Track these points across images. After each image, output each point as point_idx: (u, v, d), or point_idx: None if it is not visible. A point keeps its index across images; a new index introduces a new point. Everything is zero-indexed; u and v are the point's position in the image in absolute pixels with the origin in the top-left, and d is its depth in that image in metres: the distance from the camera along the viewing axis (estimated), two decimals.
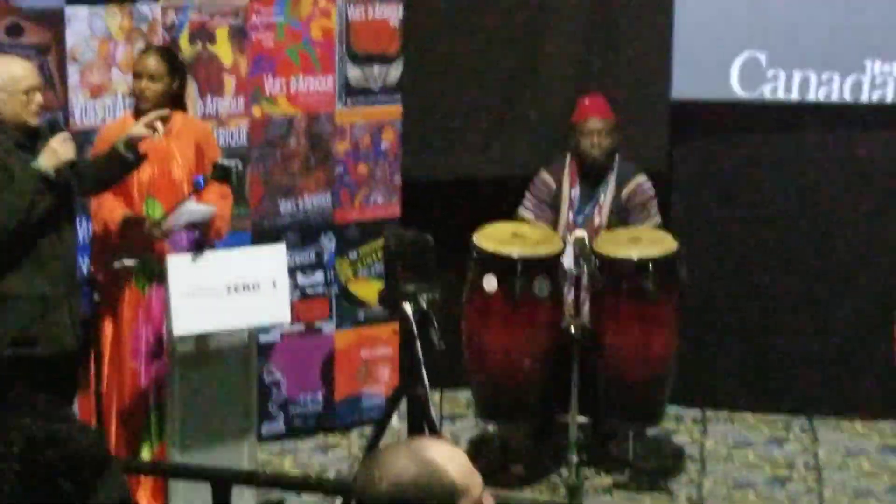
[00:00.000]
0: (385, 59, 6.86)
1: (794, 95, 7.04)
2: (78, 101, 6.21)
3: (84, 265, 6.04)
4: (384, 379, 6.97)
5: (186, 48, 6.36)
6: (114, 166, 5.61)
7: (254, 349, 6.03)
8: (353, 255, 6.91)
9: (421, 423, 5.53)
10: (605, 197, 6.57)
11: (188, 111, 6.15)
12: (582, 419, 6.23)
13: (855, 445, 6.93)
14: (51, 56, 6.12)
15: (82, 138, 5.96)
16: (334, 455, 6.77)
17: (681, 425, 7.09)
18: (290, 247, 6.41)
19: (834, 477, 6.62)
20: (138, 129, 5.59)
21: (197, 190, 5.79)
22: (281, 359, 6.78)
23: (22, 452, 2.72)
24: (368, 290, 6.86)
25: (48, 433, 2.75)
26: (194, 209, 5.81)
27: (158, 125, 5.62)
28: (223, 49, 6.52)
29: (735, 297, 7.21)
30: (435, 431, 5.55)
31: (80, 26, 6.18)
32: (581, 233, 6.31)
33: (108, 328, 5.90)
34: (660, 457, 6.72)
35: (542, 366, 6.23)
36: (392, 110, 6.91)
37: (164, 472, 5.81)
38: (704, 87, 7.07)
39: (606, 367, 6.26)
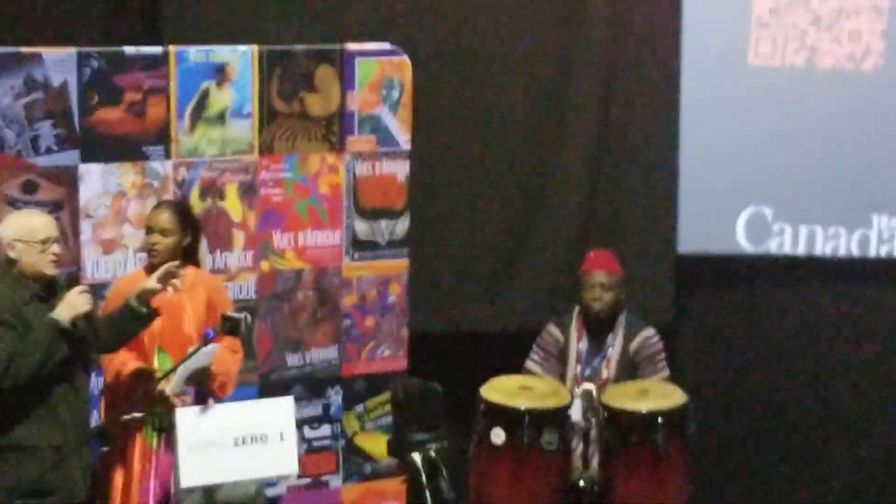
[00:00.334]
0: (392, 214, 6.92)
1: (801, 249, 7.09)
2: (90, 256, 6.26)
3: (94, 417, 6.04)
4: None
5: (197, 203, 6.43)
6: (127, 322, 5.67)
7: (262, 500, 5.99)
8: (359, 408, 6.90)
9: None
10: (613, 350, 6.58)
11: (200, 266, 6.20)
12: None
13: None
14: (64, 212, 6.19)
15: (94, 293, 6.00)
16: None
17: None
18: (297, 400, 6.39)
19: None
20: (150, 283, 5.65)
21: (206, 343, 5.82)
22: None
23: None
24: (375, 443, 6.83)
25: None
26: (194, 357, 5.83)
27: (177, 281, 5.67)
28: (233, 204, 6.59)
29: (743, 448, 7.18)
30: None
31: (93, 183, 6.27)
32: (589, 386, 6.32)
33: (117, 480, 5.88)
34: None
35: None
36: (399, 264, 6.96)
37: None
38: (711, 241, 7.13)
39: None
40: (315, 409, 6.80)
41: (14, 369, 5.40)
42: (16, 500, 5.45)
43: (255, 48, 6.54)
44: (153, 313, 5.71)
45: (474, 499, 6.25)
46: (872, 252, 7.03)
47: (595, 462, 6.29)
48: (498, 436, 6.14)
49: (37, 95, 6.10)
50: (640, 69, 7.22)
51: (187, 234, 6.00)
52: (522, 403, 6.17)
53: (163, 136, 6.38)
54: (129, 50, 6.29)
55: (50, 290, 5.59)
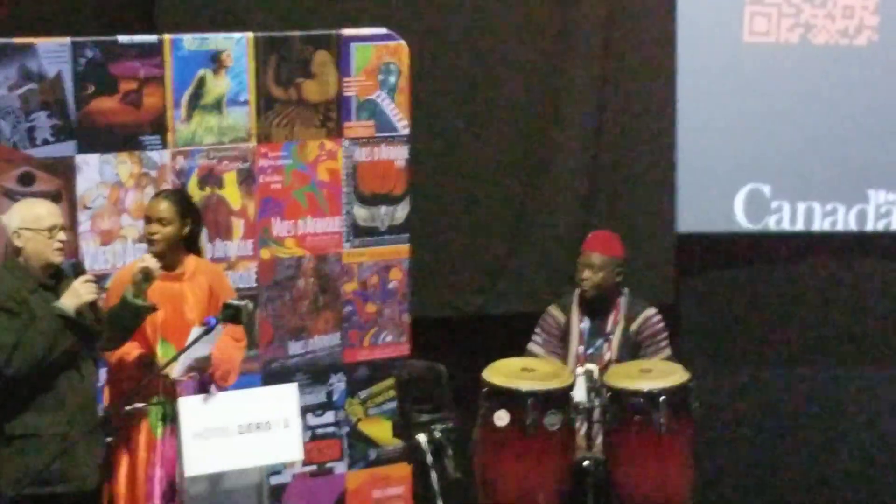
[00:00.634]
0: (391, 199, 6.92)
1: (799, 226, 7.09)
2: (88, 247, 6.26)
3: (99, 408, 6.05)
4: None
5: (195, 192, 6.43)
6: (126, 316, 5.72)
7: (266, 488, 6.00)
8: (363, 394, 6.90)
9: None
10: (615, 330, 6.58)
11: (202, 254, 6.21)
12: None
13: None
14: (62, 203, 6.18)
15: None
16: None
17: None
18: (300, 387, 6.38)
19: None
20: (136, 276, 5.68)
21: (208, 331, 5.83)
22: (293, 500, 6.74)
23: None
24: (380, 429, 6.84)
25: None
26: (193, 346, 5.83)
27: (151, 263, 5.69)
28: (231, 193, 6.59)
29: (745, 428, 7.19)
30: None
31: (90, 173, 6.26)
32: (591, 366, 6.32)
33: (122, 470, 5.90)
34: None
35: (557, 500, 6.18)
36: (399, 249, 6.96)
37: None
38: (709, 220, 7.14)
39: (621, 500, 6.21)
40: (318, 397, 6.81)
41: (18, 357, 5.44)
42: (25, 488, 5.47)
43: (250, 35, 6.53)
44: (151, 307, 5.73)
45: (480, 481, 6.25)
46: (870, 226, 7.04)
47: (599, 442, 6.29)
48: (501, 418, 6.14)
49: (31, 86, 6.10)
50: (636, 49, 7.22)
51: (186, 222, 6.00)
52: (525, 385, 6.17)
53: (159, 126, 6.38)
54: (123, 39, 6.28)
55: (55, 279, 5.62)
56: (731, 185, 7.11)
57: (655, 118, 7.18)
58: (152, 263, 5.73)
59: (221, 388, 5.97)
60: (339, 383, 6.85)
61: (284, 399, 5.89)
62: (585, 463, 6.19)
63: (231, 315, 5.85)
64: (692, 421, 6.31)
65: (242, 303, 5.90)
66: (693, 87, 7.11)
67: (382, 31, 6.83)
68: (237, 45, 6.50)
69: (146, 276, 5.71)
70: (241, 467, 5.82)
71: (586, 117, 7.21)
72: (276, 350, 6.70)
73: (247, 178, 6.60)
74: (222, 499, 5.83)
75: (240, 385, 6.12)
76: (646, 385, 6.20)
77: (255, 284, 6.64)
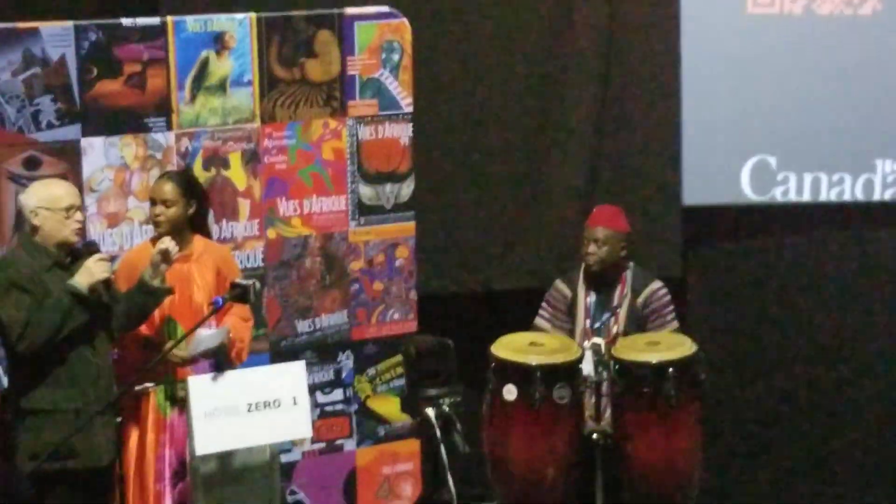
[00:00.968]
0: (396, 177, 6.93)
1: (806, 197, 7.09)
2: (95, 230, 6.28)
3: None
4: (406, 495, 6.94)
5: (201, 174, 6.44)
6: (144, 298, 5.77)
7: (277, 466, 6.03)
8: (371, 372, 6.92)
9: None
10: (622, 304, 6.59)
11: (210, 235, 6.23)
12: None
13: None
14: None
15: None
16: None
17: None
18: (308, 366, 6.42)
19: None
20: (154, 258, 5.71)
21: (216, 310, 5.87)
22: (303, 478, 6.77)
23: None
24: (388, 406, 6.86)
25: None
26: (209, 334, 5.86)
27: (170, 245, 5.72)
28: (237, 173, 6.60)
29: (754, 400, 7.19)
30: None
31: (95, 157, 6.28)
32: (598, 340, 6.34)
33: (131, 450, 5.93)
34: None
35: (566, 474, 6.20)
36: (405, 227, 6.97)
37: None
38: (716, 192, 7.13)
39: (630, 473, 6.22)
40: (327, 375, 6.83)
41: (30, 333, 5.52)
42: (39, 462, 5.56)
43: (253, 15, 6.54)
44: (168, 289, 5.77)
45: (489, 456, 6.28)
46: (877, 196, 7.02)
47: (607, 415, 6.31)
48: (510, 392, 6.16)
49: (35, 70, 6.11)
50: (641, 21, 7.20)
51: (191, 203, 6.02)
52: (533, 359, 6.19)
53: (164, 108, 6.39)
54: (126, 21, 6.29)
55: (71, 257, 5.71)
56: (738, 156, 7.10)
57: (660, 91, 7.17)
58: (171, 246, 5.75)
59: (233, 368, 6.00)
60: (347, 361, 6.87)
61: (293, 377, 5.91)
62: (594, 436, 6.21)
63: (238, 295, 5.89)
64: (700, 393, 6.32)
65: (249, 282, 5.93)
66: (698, 59, 7.10)
67: (385, 9, 6.84)
68: (240, 26, 6.51)
69: (164, 257, 5.73)
70: (250, 445, 5.85)
71: (591, 91, 7.20)
72: (285, 329, 6.72)
73: (252, 159, 6.62)
74: (233, 477, 5.86)
75: (248, 364, 6.15)
76: (654, 357, 6.21)
77: (261, 264, 6.66)
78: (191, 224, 6.05)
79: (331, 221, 6.80)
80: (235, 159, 6.59)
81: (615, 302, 6.60)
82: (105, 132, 6.28)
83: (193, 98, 6.45)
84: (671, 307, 6.62)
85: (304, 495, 6.78)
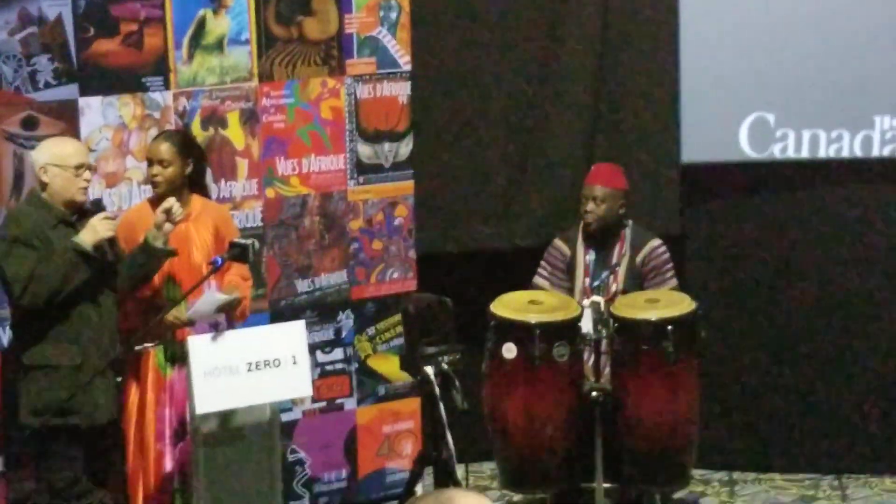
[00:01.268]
0: (395, 136, 6.92)
1: (805, 154, 7.07)
2: (93, 190, 6.26)
3: None
4: (407, 453, 6.96)
5: (199, 133, 6.43)
6: (147, 259, 5.79)
7: (277, 425, 6.05)
8: (371, 331, 6.93)
9: (447, 487, 5.51)
10: (620, 262, 6.59)
11: (208, 195, 6.22)
12: (608, 485, 6.21)
13: (885, 502, 6.87)
14: None
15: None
16: None
17: (709, 487, 7.05)
18: (308, 325, 6.42)
19: None
20: (158, 218, 5.71)
21: (215, 270, 5.87)
22: (303, 437, 6.78)
23: None
24: (388, 365, 6.87)
25: None
26: (215, 298, 5.85)
27: (174, 207, 5.72)
28: (235, 133, 6.59)
29: (753, 357, 7.20)
30: None
31: (93, 116, 6.26)
32: (597, 298, 6.34)
33: (131, 410, 5.94)
34: None
35: (565, 432, 6.22)
36: (404, 186, 6.96)
37: None
38: (714, 150, 7.11)
39: (629, 431, 6.24)
40: (327, 334, 6.83)
41: (33, 288, 5.58)
42: (40, 418, 5.63)
43: None
44: (171, 251, 5.77)
45: (489, 414, 6.29)
46: (875, 152, 7.00)
47: (606, 372, 6.32)
48: (509, 350, 6.17)
49: (32, 30, 6.09)
50: None
51: (188, 163, 6.01)
52: (532, 317, 6.19)
53: (161, 67, 6.37)
54: None
55: (77, 215, 5.77)
56: (736, 113, 7.07)
57: (658, 48, 7.14)
58: (175, 207, 5.74)
59: (235, 326, 6.01)
60: (346, 320, 6.88)
61: (292, 336, 5.92)
62: (593, 394, 6.22)
63: (237, 254, 5.89)
64: (699, 350, 6.33)
65: (248, 241, 5.94)
66: (696, 15, 7.06)
67: None
68: None
69: (168, 217, 5.72)
70: (250, 405, 5.86)
71: (589, 49, 7.18)
72: (284, 289, 6.72)
73: (250, 118, 6.60)
74: (233, 436, 5.88)
75: (248, 324, 6.16)
76: (653, 315, 6.22)
77: (260, 224, 6.65)
78: (189, 183, 6.04)
79: (329, 180, 6.80)
80: (233, 118, 6.58)
81: (614, 260, 6.60)
82: (103, 92, 6.26)
83: (191, 57, 6.43)
84: (670, 265, 6.62)
85: (305, 454, 6.80)
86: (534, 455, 6.23)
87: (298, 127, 6.70)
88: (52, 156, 5.73)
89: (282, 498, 6.09)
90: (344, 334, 6.87)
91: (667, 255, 6.62)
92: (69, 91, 6.19)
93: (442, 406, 5.52)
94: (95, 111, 6.26)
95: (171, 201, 5.77)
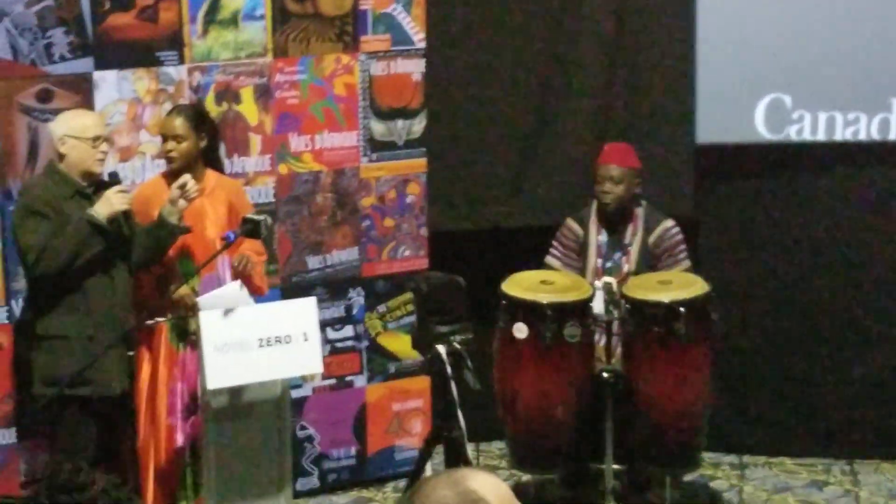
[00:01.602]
0: (408, 113, 6.90)
1: (821, 136, 7.04)
2: (108, 163, 6.25)
3: None
4: (416, 431, 6.96)
5: (212, 108, 6.41)
6: (161, 234, 5.82)
7: (287, 401, 6.05)
8: (382, 308, 6.92)
9: (458, 466, 5.51)
10: (633, 243, 6.57)
11: (222, 169, 6.21)
12: (617, 466, 6.21)
13: None
14: None
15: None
16: None
17: (718, 471, 7.04)
18: (319, 302, 6.41)
19: None
20: (174, 194, 5.71)
21: (228, 245, 5.87)
22: (313, 414, 6.79)
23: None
24: (399, 343, 6.87)
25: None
26: (234, 296, 5.83)
27: (190, 183, 5.73)
28: (249, 108, 6.57)
29: (766, 340, 7.18)
30: None
31: (108, 90, 6.25)
32: (609, 279, 6.31)
33: (143, 384, 5.95)
34: (698, 503, 6.66)
35: (576, 412, 6.21)
36: (416, 164, 6.95)
37: None
38: (729, 131, 7.09)
39: (640, 412, 6.23)
40: (337, 311, 6.83)
41: (46, 258, 5.62)
42: (53, 388, 5.66)
43: None
44: (186, 228, 5.78)
45: (499, 394, 6.28)
46: (893, 135, 6.97)
47: (618, 353, 6.31)
48: (520, 330, 6.16)
49: (48, 3, 6.08)
50: None
51: (202, 137, 6.01)
52: (544, 297, 6.18)
53: (176, 41, 6.36)
54: None
55: (93, 187, 5.79)
56: (752, 95, 7.04)
57: (674, 28, 7.11)
58: (190, 182, 5.75)
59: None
60: (357, 297, 6.87)
61: (304, 313, 5.91)
62: (604, 375, 6.20)
63: (250, 230, 5.90)
64: (711, 332, 6.31)
65: (261, 217, 5.94)
66: None
67: None
68: None
69: (183, 192, 5.72)
70: (261, 380, 5.87)
71: (605, 29, 7.15)
72: (296, 265, 6.72)
73: (264, 94, 6.58)
74: (243, 412, 5.88)
75: (259, 299, 6.15)
76: (665, 296, 6.20)
77: (272, 200, 6.64)
78: (203, 158, 6.04)
79: (342, 157, 6.78)
80: (247, 94, 6.56)
81: (627, 240, 6.58)
82: (118, 65, 6.25)
83: (206, 32, 6.41)
84: (683, 246, 6.60)
85: (315, 431, 6.81)
86: (544, 435, 6.23)
87: (312, 103, 6.68)
88: (70, 127, 5.76)
89: (291, 474, 6.09)
90: (355, 311, 6.87)
91: (680, 237, 6.60)
92: (84, 64, 6.18)
93: (453, 385, 5.50)
94: (110, 85, 6.25)
95: (186, 177, 5.77)
